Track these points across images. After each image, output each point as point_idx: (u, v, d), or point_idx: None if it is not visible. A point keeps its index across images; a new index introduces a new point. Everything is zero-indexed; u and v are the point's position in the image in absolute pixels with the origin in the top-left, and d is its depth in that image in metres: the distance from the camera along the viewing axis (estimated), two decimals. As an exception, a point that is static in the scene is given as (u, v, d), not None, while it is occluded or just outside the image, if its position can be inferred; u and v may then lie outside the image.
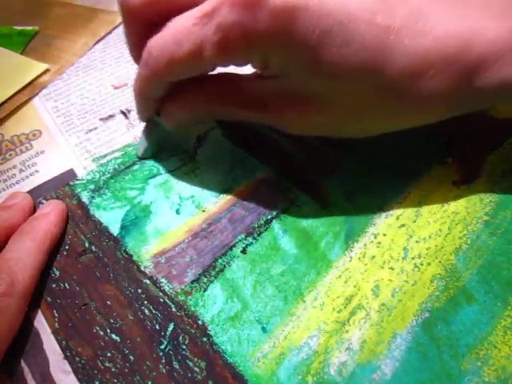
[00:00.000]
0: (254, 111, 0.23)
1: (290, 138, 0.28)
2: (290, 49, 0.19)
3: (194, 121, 0.26)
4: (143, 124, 0.29)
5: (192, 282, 0.22)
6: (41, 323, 0.21)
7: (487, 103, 0.21)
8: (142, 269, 0.23)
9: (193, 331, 0.21)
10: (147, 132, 0.27)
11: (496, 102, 0.21)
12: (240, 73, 0.24)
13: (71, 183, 0.26)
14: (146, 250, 0.24)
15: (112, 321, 0.21)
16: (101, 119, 0.30)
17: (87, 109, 0.31)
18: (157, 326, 0.21)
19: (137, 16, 0.22)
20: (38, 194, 0.26)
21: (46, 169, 0.28)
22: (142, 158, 0.28)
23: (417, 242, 0.24)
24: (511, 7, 0.20)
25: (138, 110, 0.26)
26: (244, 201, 0.25)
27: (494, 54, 0.19)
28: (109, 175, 0.27)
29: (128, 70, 0.34)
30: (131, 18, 0.22)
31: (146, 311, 0.22)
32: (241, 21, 0.19)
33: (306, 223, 0.25)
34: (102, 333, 0.21)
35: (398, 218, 0.25)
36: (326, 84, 0.21)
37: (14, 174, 0.27)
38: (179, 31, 0.20)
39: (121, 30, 0.38)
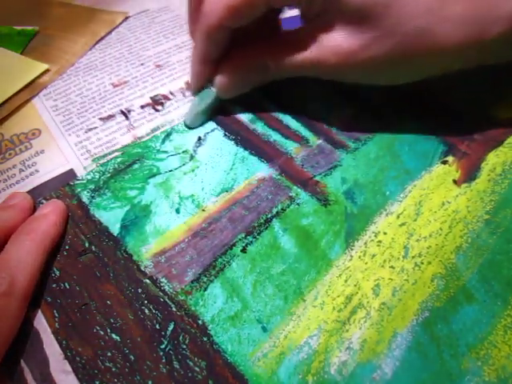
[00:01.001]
0: (306, 56, 0.26)
1: (291, 137, 0.28)
2: None
3: (244, 83, 0.29)
4: (147, 124, 0.30)
5: (192, 282, 0.22)
6: (41, 323, 0.21)
7: (509, 42, 0.23)
8: (142, 268, 0.23)
9: (193, 331, 0.21)
10: (197, 101, 0.29)
11: None
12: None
13: (71, 183, 0.26)
14: (146, 250, 0.24)
15: (112, 320, 0.21)
16: (100, 119, 0.30)
17: (87, 107, 0.31)
18: (157, 326, 0.21)
19: None
20: (38, 193, 0.26)
21: (46, 168, 0.28)
22: (190, 127, 0.29)
23: (417, 240, 0.24)
24: None
25: (194, 76, 0.29)
26: (244, 200, 0.25)
27: None
28: (109, 175, 0.27)
29: (128, 69, 0.34)
30: None
31: (146, 311, 0.22)
32: None
33: (306, 222, 0.24)
34: (102, 333, 0.21)
35: (398, 217, 0.25)
36: (359, 12, 0.23)
37: (14, 174, 0.27)
38: None
39: (121, 29, 0.38)
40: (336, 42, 0.25)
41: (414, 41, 0.23)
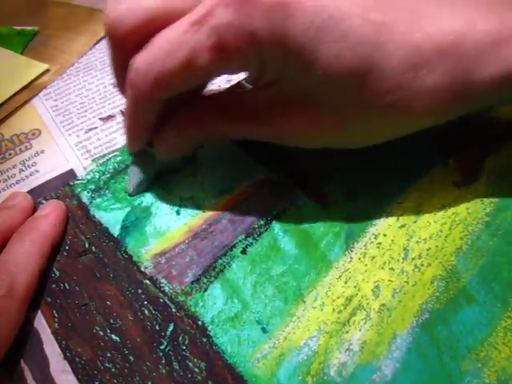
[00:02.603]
0: (250, 125, 0.23)
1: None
2: (287, 47, 0.19)
3: (188, 147, 0.25)
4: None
5: (192, 283, 0.22)
6: (41, 323, 0.21)
7: (488, 101, 0.21)
8: (142, 269, 0.23)
9: (193, 332, 0.21)
10: (139, 165, 0.26)
11: (498, 98, 0.21)
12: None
13: (71, 183, 0.26)
14: (146, 251, 0.24)
15: (112, 321, 0.21)
16: (101, 119, 0.30)
17: (87, 107, 0.31)
18: (157, 327, 0.21)
19: (126, 41, 0.21)
20: (38, 194, 0.26)
21: (46, 169, 0.28)
22: (132, 195, 0.26)
23: (417, 242, 0.24)
24: (497, 1, 0.20)
25: (129, 142, 0.25)
26: (244, 202, 0.25)
27: (487, 46, 0.19)
28: (109, 175, 0.27)
29: (128, 70, 0.34)
30: (119, 44, 0.21)
31: (146, 311, 0.22)
32: (236, 20, 0.18)
33: (306, 224, 0.24)
34: (101, 333, 0.21)
35: (398, 219, 0.25)
36: (323, 86, 0.20)
37: (14, 174, 0.27)
38: (168, 42, 0.19)
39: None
40: (297, 121, 0.22)
41: (387, 115, 0.21)
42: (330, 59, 0.19)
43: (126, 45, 0.21)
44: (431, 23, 0.19)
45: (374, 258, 0.23)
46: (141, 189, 0.26)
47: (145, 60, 0.20)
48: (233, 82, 0.31)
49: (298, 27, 0.18)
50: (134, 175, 0.26)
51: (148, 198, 0.26)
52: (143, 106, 0.22)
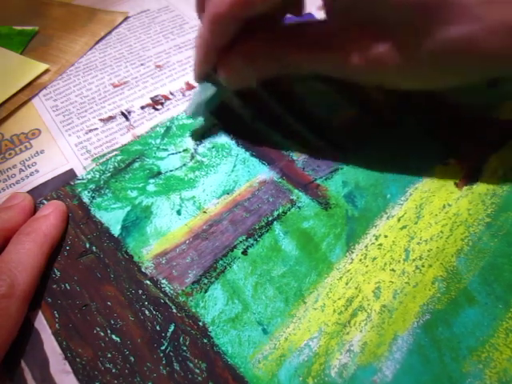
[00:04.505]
0: (318, 52, 0.24)
1: (292, 139, 0.28)
2: None
3: (252, 78, 0.26)
4: (146, 124, 0.30)
5: (193, 283, 0.22)
6: (41, 324, 0.21)
7: None
8: (143, 270, 0.23)
9: (193, 332, 0.21)
10: (200, 90, 0.28)
11: None
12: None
13: (72, 183, 0.26)
14: (147, 251, 0.23)
15: (112, 322, 0.21)
16: (101, 120, 0.30)
17: (87, 107, 0.31)
18: (157, 327, 0.21)
19: None
20: (38, 194, 0.26)
21: (46, 168, 0.27)
22: (192, 117, 0.28)
23: (418, 243, 0.24)
24: None
25: (198, 63, 0.26)
26: (245, 202, 0.25)
27: None
28: (109, 174, 0.27)
29: (128, 70, 0.34)
30: None
31: (147, 312, 0.21)
32: None
33: (307, 225, 0.24)
34: (102, 333, 0.21)
35: (399, 220, 0.25)
36: (394, 14, 0.21)
37: (14, 174, 0.27)
38: None
39: (121, 29, 0.38)
40: (373, 52, 0.22)
41: (453, 51, 0.21)
42: None
43: None
44: None
45: (374, 259, 0.23)
46: (197, 112, 0.28)
47: None
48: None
49: None
50: (195, 98, 0.28)
51: (148, 198, 0.26)
52: (219, 26, 0.22)
